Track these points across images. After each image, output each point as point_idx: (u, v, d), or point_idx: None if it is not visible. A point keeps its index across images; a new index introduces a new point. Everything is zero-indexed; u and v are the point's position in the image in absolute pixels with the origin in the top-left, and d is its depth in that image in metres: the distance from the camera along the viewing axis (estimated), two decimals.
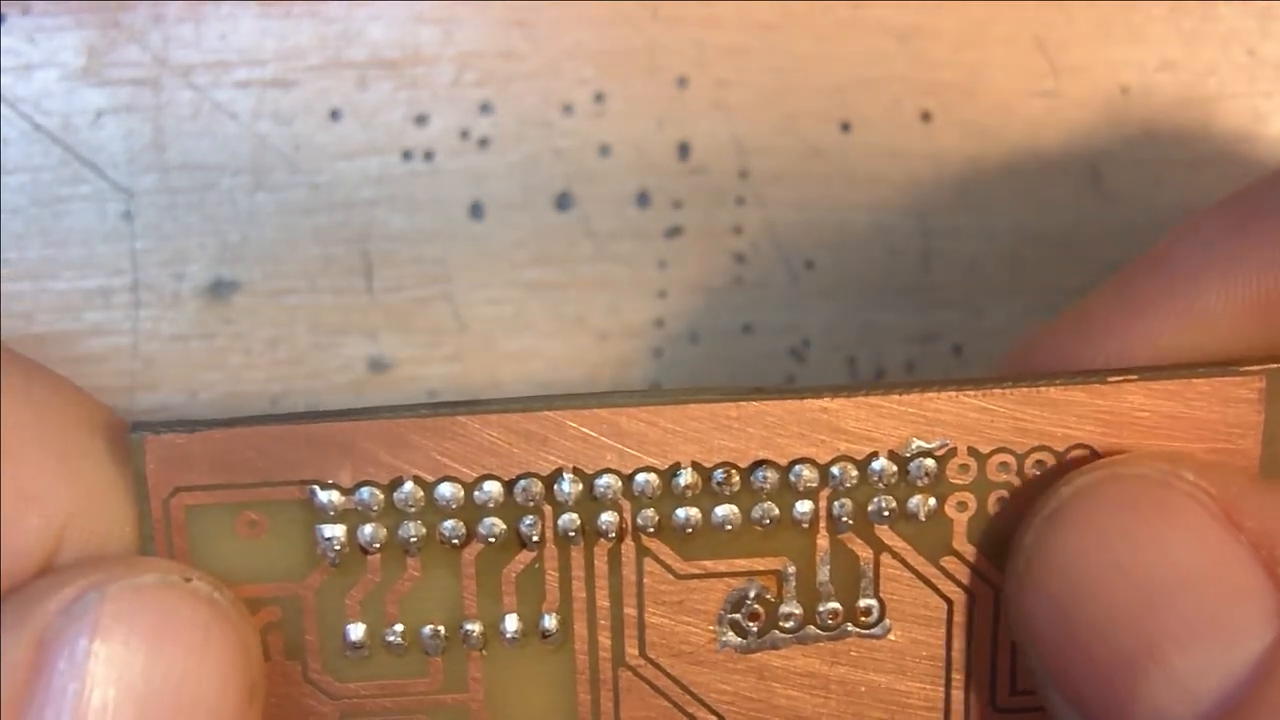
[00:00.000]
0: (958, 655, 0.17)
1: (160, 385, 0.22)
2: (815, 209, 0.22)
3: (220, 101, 0.22)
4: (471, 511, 0.16)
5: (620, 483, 0.16)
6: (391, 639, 0.17)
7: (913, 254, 0.22)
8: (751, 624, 0.17)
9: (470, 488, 0.16)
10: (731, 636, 0.17)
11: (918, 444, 0.17)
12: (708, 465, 0.16)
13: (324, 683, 0.17)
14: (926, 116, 0.22)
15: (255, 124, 0.22)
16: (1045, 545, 0.16)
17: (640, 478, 0.16)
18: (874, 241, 0.22)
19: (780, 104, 0.22)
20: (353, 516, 0.16)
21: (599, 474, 0.16)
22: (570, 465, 0.16)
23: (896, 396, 0.16)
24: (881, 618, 0.17)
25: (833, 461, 0.17)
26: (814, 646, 0.17)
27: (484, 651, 0.17)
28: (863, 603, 0.17)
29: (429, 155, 0.22)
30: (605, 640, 0.17)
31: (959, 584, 0.17)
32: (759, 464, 0.17)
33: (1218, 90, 0.22)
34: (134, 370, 0.22)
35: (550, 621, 0.17)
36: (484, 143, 0.22)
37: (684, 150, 0.22)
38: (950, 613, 0.17)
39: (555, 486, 0.16)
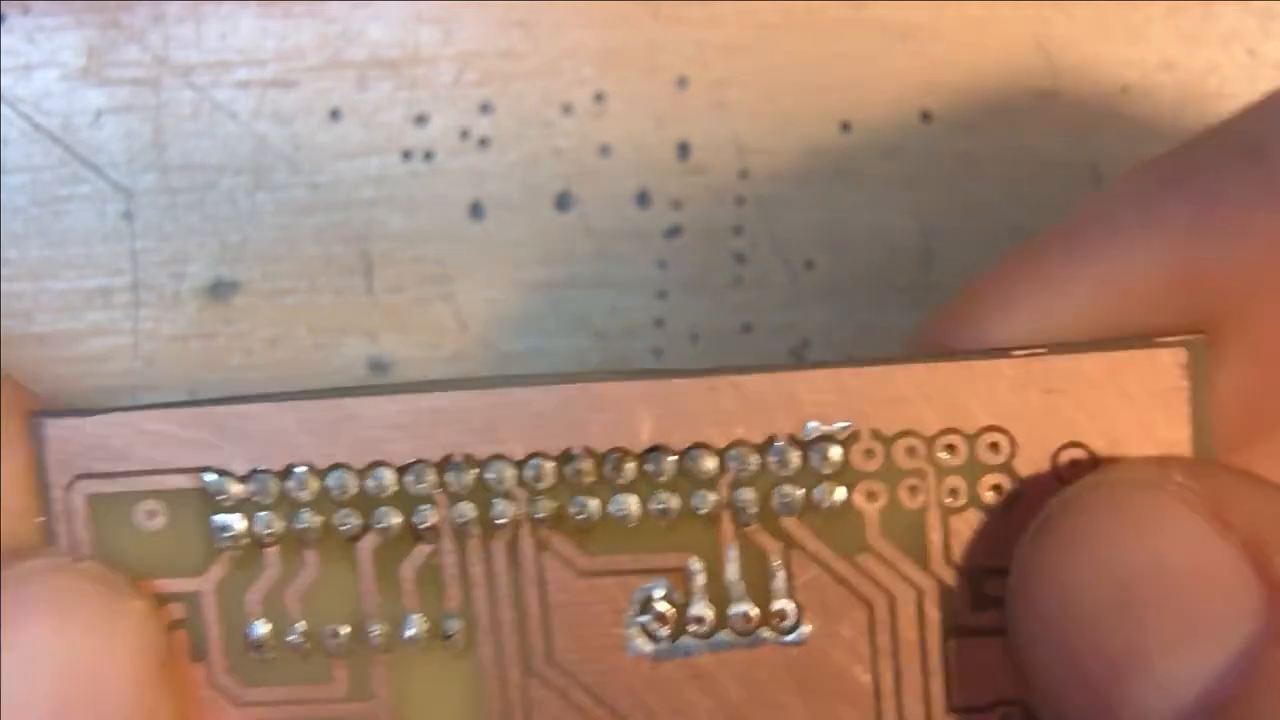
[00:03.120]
0: (886, 667, 0.16)
1: (160, 385, 0.22)
2: (815, 209, 0.22)
3: (220, 101, 0.22)
4: (365, 501, 0.16)
5: (513, 470, 0.16)
6: (294, 639, 0.16)
7: (912, 254, 0.22)
8: (661, 628, 0.16)
9: (362, 475, 0.16)
10: (642, 642, 0.16)
11: (817, 426, 0.16)
12: (600, 451, 0.16)
13: (229, 688, 0.16)
14: (926, 116, 0.22)
15: (255, 124, 0.22)
16: (1034, 557, 0.15)
17: (532, 464, 0.16)
18: (874, 241, 0.22)
19: (780, 104, 0.22)
20: (248, 506, 0.16)
21: (490, 460, 0.16)
22: (462, 451, 0.16)
23: (793, 374, 0.16)
24: (799, 622, 0.16)
25: (730, 446, 0.16)
26: (729, 654, 0.16)
27: (388, 655, 0.16)
28: (776, 605, 0.16)
29: (429, 155, 0.22)
30: (512, 645, 0.16)
31: (878, 585, 0.16)
32: (653, 449, 0.16)
33: (1217, 90, 0.22)
34: (134, 370, 0.22)
35: (453, 623, 0.16)
36: (484, 143, 0.22)
37: (684, 150, 0.22)
38: (872, 618, 0.16)
39: (447, 474, 0.16)
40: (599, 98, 0.22)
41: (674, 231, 0.22)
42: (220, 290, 0.22)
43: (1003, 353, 0.16)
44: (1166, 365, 0.16)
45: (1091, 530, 0.15)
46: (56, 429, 0.16)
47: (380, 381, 0.22)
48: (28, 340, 0.22)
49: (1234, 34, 0.22)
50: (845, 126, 0.22)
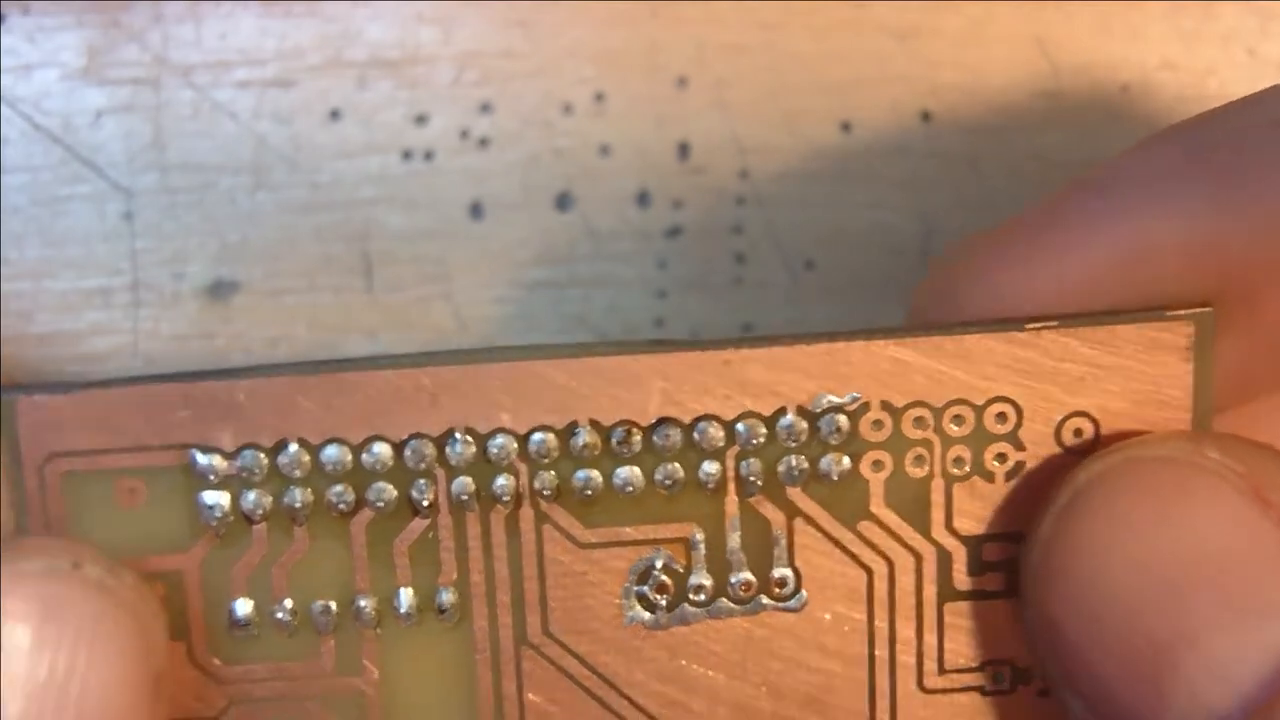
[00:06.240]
0: (881, 630, 0.16)
1: None
2: (815, 209, 0.22)
3: (220, 101, 0.22)
4: (360, 476, 0.16)
5: (516, 444, 0.16)
6: (280, 615, 0.16)
7: (913, 254, 0.22)
8: (660, 597, 0.16)
9: (358, 450, 0.16)
10: (639, 611, 0.16)
11: (828, 398, 0.16)
12: (606, 424, 0.16)
13: (211, 666, 0.16)
14: (926, 116, 0.22)
15: (255, 124, 0.22)
16: (1065, 537, 0.15)
17: (536, 437, 0.16)
18: (874, 241, 0.22)
19: (780, 104, 0.22)
20: (236, 483, 0.16)
21: (493, 434, 0.16)
22: (463, 425, 0.16)
23: (803, 347, 0.16)
24: (798, 589, 0.16)
25: (739, 418, 0.16)
26: (727, 621, 0.16)
27: (378, 630, 0.16)
28: (777, 572, 0.16)
29: (429, 155, 0.22)
30: (506, 617, 0.16)
31: (878, 551, 0.16)
32: (661, 421, 0.16)
33: (1218, 90, 0.22)
34: (134, 370, 0.22)
35: (446, 596, 0.16)
36: (484, 143, 0.22)
37: (684, 150, 0.22)
38: (870, 583, 0.16)
39: (447, 448, 0.16)
40: (599, 98, 0.22)
41: (674, 231, 0.22)
42: (220, 290, 0.22)
43: (1014, 324, 0.16)
44: (1173, 338, 0.16)
45: (1129, 510, 0.15)
46: (29, 407, 0.15)
47: None
48: (28, 340, 0.22)
49: (1234, 34, 0.22)
50: (845, 126, 0.22)
